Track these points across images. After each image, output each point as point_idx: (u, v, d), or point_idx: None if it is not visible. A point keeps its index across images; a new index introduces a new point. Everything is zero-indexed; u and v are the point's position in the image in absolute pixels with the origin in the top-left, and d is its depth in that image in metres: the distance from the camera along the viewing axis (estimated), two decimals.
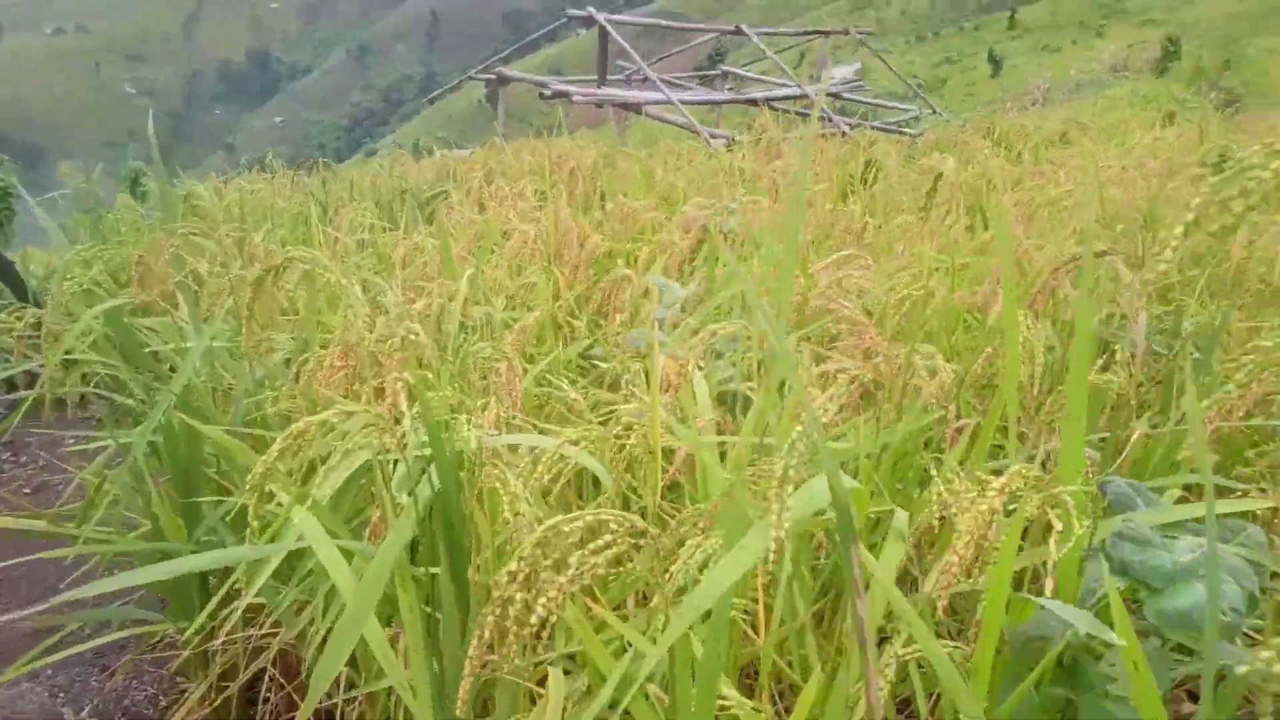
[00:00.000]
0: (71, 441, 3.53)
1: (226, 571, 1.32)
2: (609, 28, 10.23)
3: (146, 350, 1.60)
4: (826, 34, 13.31)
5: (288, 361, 1.60)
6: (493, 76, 10.40)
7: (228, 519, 1.38)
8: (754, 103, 9.95)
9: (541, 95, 9.54)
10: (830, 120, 8.60)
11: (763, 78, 11.72)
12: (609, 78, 10.57)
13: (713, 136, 6.91)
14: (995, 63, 47.57)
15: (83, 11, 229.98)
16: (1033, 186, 2.87)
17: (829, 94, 10.24)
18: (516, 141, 5.33)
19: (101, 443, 1.74)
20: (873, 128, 7.66)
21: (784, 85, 10.47)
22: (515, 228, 2.04)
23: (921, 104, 11.00)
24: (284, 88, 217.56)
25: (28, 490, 3.16)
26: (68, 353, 1.64)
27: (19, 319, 1.73)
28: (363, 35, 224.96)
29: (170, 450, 1.35)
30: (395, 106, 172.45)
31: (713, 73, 12.03)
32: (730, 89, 11.58)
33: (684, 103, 8.58)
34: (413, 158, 7.12)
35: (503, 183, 3.10)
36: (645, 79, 9.87)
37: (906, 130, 8.47)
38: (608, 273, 1.88)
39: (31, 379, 3.53)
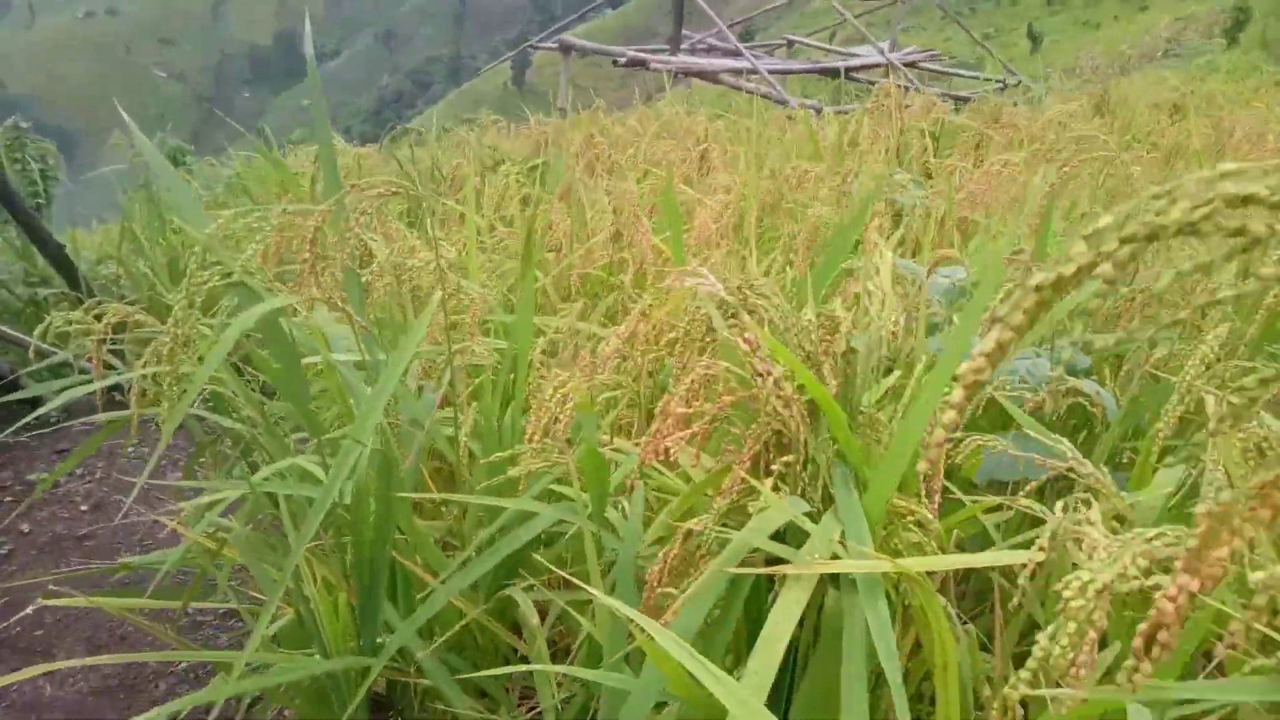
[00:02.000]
0: (132, 452, 3.18)
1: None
2: None
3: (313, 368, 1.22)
4: None
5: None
6: (555, 46, 9.94)
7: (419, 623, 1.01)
8: (834, 72, 9.48)
9: (615, 63, 9.10)
10: (915, 89, 8.11)
11: (829, 47, 11.20)
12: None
13: (801, 105, 6.46)
14: (1034, 39, 46.37)
15: None
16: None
17: (906, 64, 9.76)
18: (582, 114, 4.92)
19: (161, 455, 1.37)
20: (954, 98, 7.16)
21: (848, 54, 9.96)
22: (689, 198, 1.64)
23: (1004, 73, 10.45)
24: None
25: (85, 507, 2.81)
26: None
27: (97, 317, 1.35)
28: (389, 18, 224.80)
29: (354, 525, 0.97)
30: (423, 89, 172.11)
31: (775, 43, 11.50)
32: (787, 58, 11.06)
33: (772, 72, 8.10)
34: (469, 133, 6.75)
35: (614, 153, 2.70)
36: (710, 48, 9.40)
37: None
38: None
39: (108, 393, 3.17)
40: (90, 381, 1.45)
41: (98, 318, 1.36)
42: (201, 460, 1.71)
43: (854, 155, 2.55)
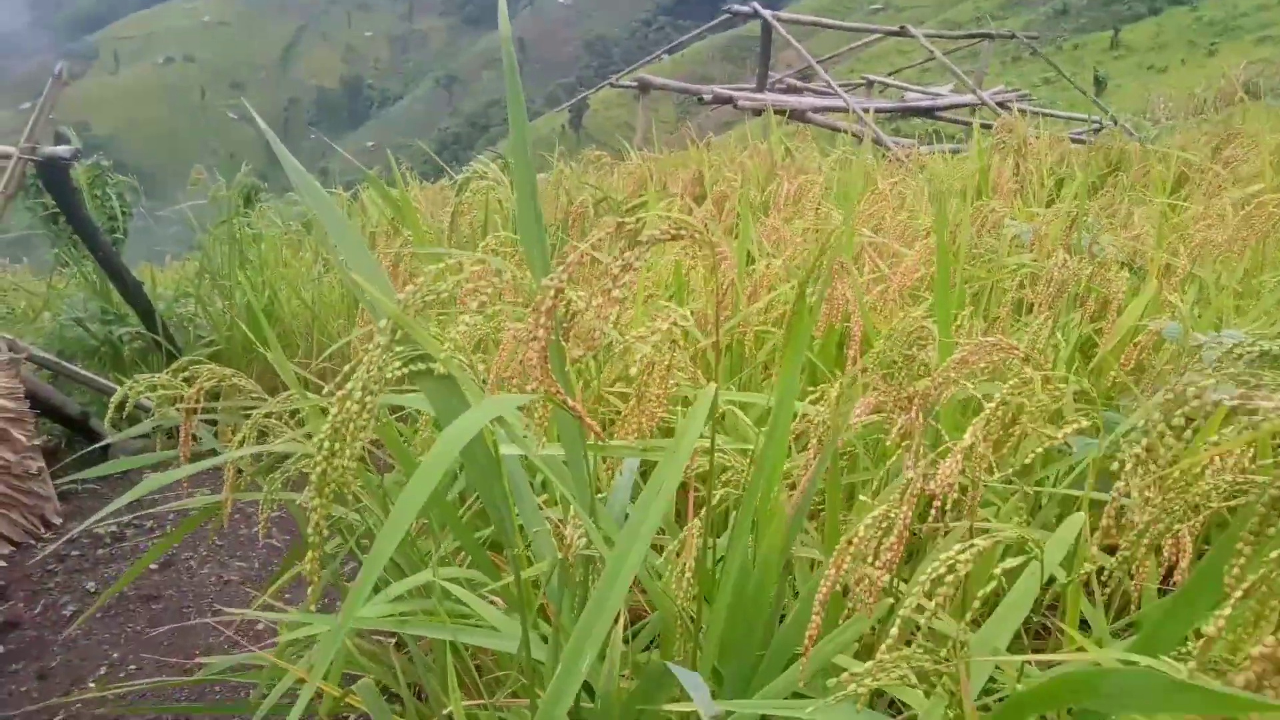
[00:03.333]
0: None
1: None
2: (777, 25, 9.61)
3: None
4: (992, 37, 12.61)
5: None
6: (634, 84, 9.83)
7: None
8: (922, 111, 9.25)
9: (701, 101, 8.96)
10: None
11: (911, 86, 10.95)
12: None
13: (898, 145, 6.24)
14: (1099, 82, 45.68)
15: (190, 42, 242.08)
16: None
17: (997, 103, 9.46)
18: (671, 153, 4.72)
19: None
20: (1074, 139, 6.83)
21: (933, 94, 9.71)
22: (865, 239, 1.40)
23: (1101, 114, 10.11)
24: (375, 114, 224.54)
25: (154, 565, 2.63)
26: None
27: (187, 380, 1.15)
28: (451, 64, 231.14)
29: None
30: (481, 131, 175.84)
31: (855, 83, 11.29)
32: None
33: (866, 110, 7.87)
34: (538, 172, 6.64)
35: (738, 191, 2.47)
36: (789, 87, 9.22)
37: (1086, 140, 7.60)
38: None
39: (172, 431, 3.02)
40: (173, 444, 1.25)
41: (188, 380, 1.15)
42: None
43: (1013, 196, 2.30)
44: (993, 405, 0.86)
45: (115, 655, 2.17)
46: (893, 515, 0.80)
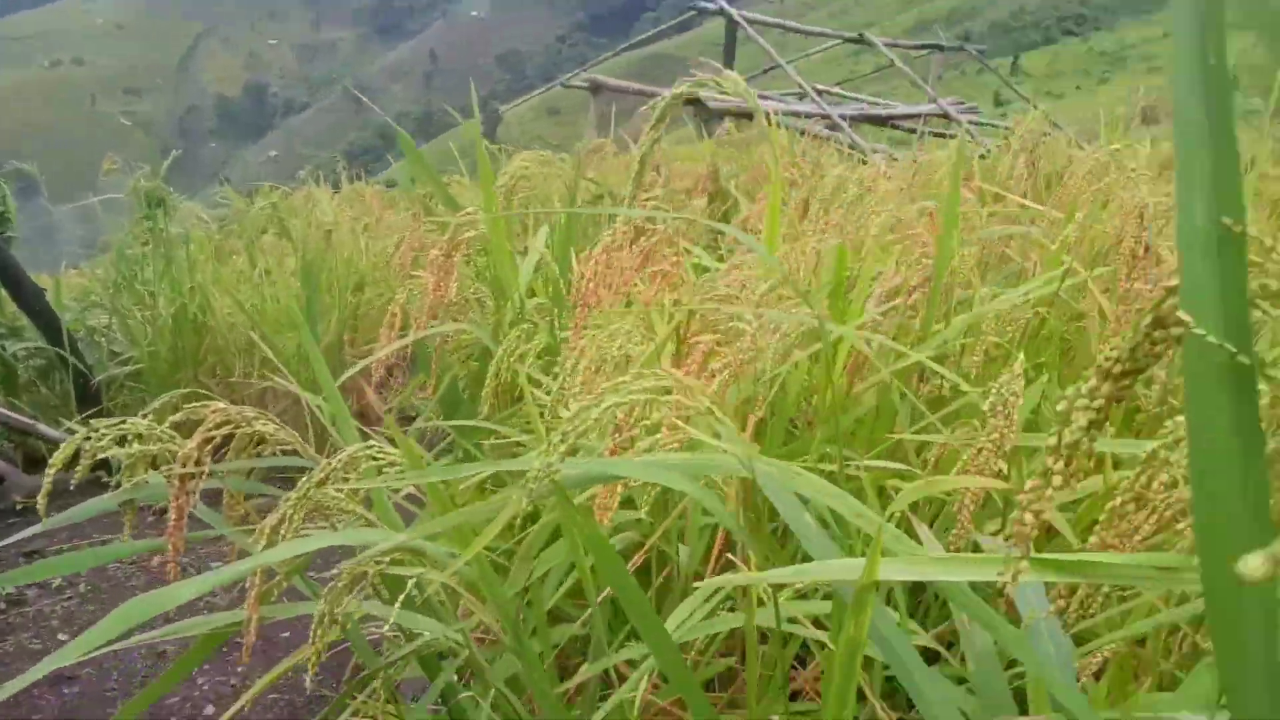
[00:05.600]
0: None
1: None
2: (744, 23, 9.33)
3: None
4: (943, 49, 13.04)
5: None
6: (586, 85, 9.37)
7: None
8: (881, 120, 9.13)
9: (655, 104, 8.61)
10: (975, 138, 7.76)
11: (858, 97, 10.85)
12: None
13: (873, 151, 6.02)
14: (999, 105, 47.56)
15: (81, 45, 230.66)
16: None
17: (942, 115, 9.48)
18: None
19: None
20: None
21: (888, 104, 9.64)
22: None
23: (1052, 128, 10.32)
24: (279, 124, 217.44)
25: (64, 635, 2.08)
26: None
27: (120, 440, 0.68)
28: (361, 75, 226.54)
29: None
30: (391, 144, 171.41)
31: (797, 92, 11.15)
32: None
33: (843, 117, 7.67)
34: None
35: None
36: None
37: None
38: None
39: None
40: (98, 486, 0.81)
41: (180, 427, 0.71)
42: None
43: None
44: None
45: None
46: None
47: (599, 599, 0.84)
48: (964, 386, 1.06)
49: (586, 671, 0.87)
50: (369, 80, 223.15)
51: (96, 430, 0.78)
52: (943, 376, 1.19)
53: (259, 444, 0.86)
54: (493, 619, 0.83)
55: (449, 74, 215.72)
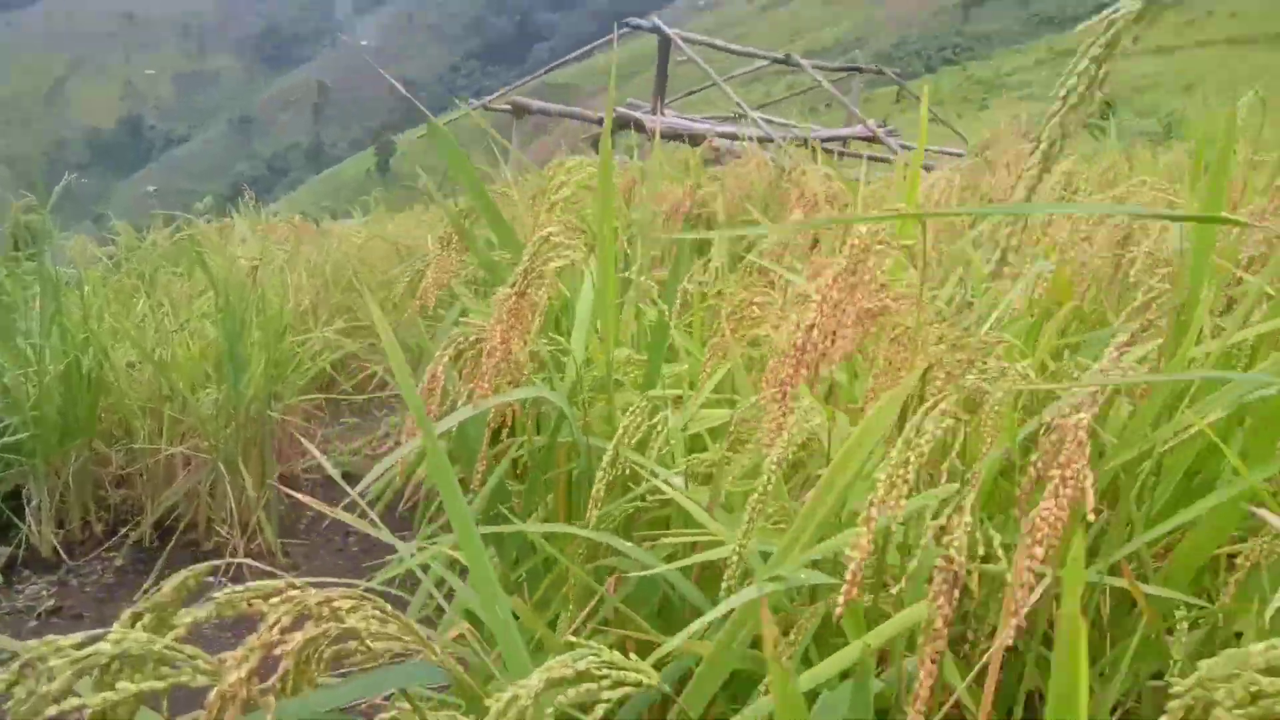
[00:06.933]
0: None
1: None
2: (680, 42, 9.08)
3: None
4: (861, 71, 13.73)
5: None
6: (507, 108, 8.90)
7: None
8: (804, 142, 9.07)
9: (595, 122, 8.34)
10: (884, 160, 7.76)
11: (780, 120, 10.76)
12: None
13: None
14: (885, 126, 49.33)
15: None
16: None
17: (867, 137, 9.51)
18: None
19: None
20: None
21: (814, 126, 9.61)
22: None
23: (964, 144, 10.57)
24: (158, 157, 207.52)
25: None
26: None
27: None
28: (246, 105, 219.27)
29: None
30: (280, 175, 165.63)
31: (727, 115, 11.05)
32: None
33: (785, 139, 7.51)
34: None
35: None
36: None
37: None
38: None
39: None
40: None
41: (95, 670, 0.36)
42: None
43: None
44: None
45: None
46: None
47: None
48: None
49: None
50: (256, 111, 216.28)
51: (53, 650, 0.38)
52: None
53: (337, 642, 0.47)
54: None
55: (341, 104, 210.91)
